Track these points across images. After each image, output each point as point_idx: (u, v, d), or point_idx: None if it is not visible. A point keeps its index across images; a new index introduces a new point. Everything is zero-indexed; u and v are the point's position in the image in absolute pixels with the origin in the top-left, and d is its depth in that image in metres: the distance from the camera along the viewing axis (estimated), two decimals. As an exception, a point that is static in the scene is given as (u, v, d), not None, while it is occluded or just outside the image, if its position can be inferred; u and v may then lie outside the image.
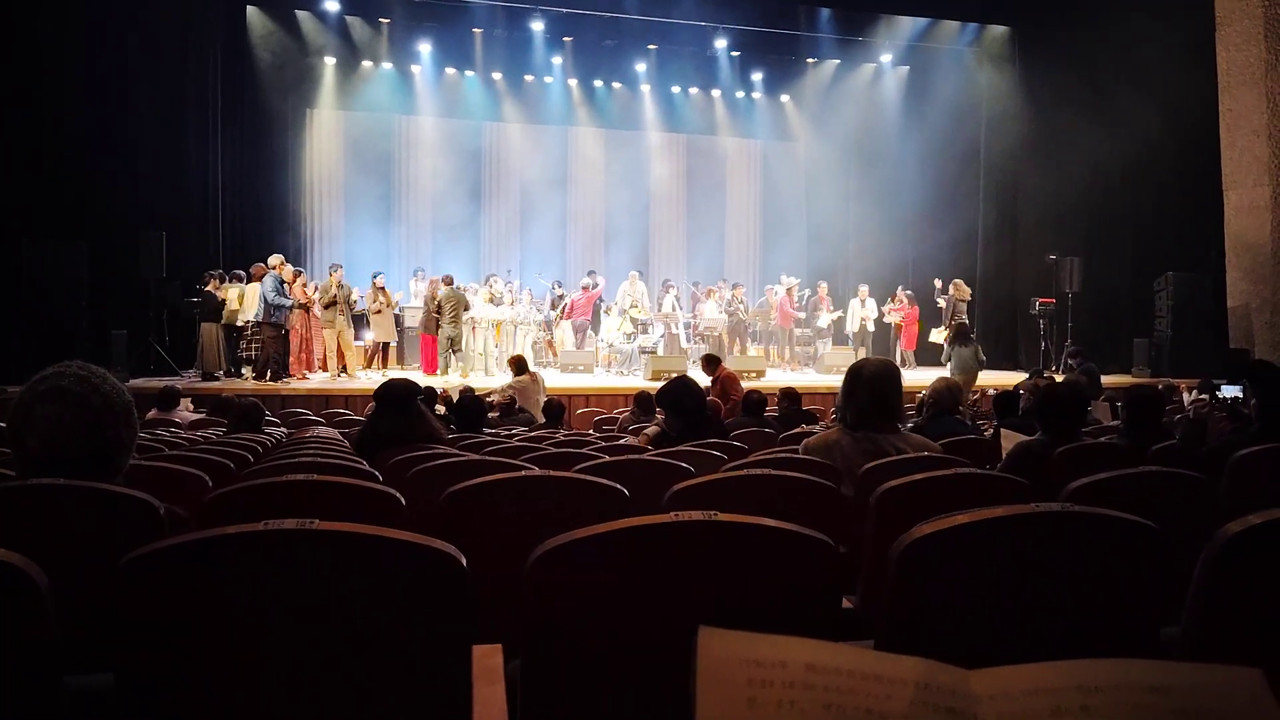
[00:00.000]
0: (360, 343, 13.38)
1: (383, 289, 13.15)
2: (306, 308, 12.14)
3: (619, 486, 2.38)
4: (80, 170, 11.95)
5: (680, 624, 1.07)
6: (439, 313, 13.04)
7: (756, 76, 18.45)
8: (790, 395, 7.89)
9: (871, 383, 3.31)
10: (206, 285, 12.32)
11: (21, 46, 11.36)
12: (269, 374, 11.66)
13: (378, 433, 4.30)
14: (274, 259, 11.97)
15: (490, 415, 7.32)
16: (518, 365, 10.28)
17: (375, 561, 1.36)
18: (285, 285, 11.81)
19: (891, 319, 15.61)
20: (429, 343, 13.39)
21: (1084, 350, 12.91)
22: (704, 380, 9.22)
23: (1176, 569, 1.53)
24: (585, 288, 14.93)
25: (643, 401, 8.02)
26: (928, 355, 15.32)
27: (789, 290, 15.25)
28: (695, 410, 4.62)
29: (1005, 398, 6.72)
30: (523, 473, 2.65)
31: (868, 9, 16.13)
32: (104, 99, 11.99)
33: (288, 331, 11.99)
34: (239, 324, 12.29)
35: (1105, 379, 13.32)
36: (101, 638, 1.59)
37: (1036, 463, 3.36)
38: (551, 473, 2.58)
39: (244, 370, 12.37)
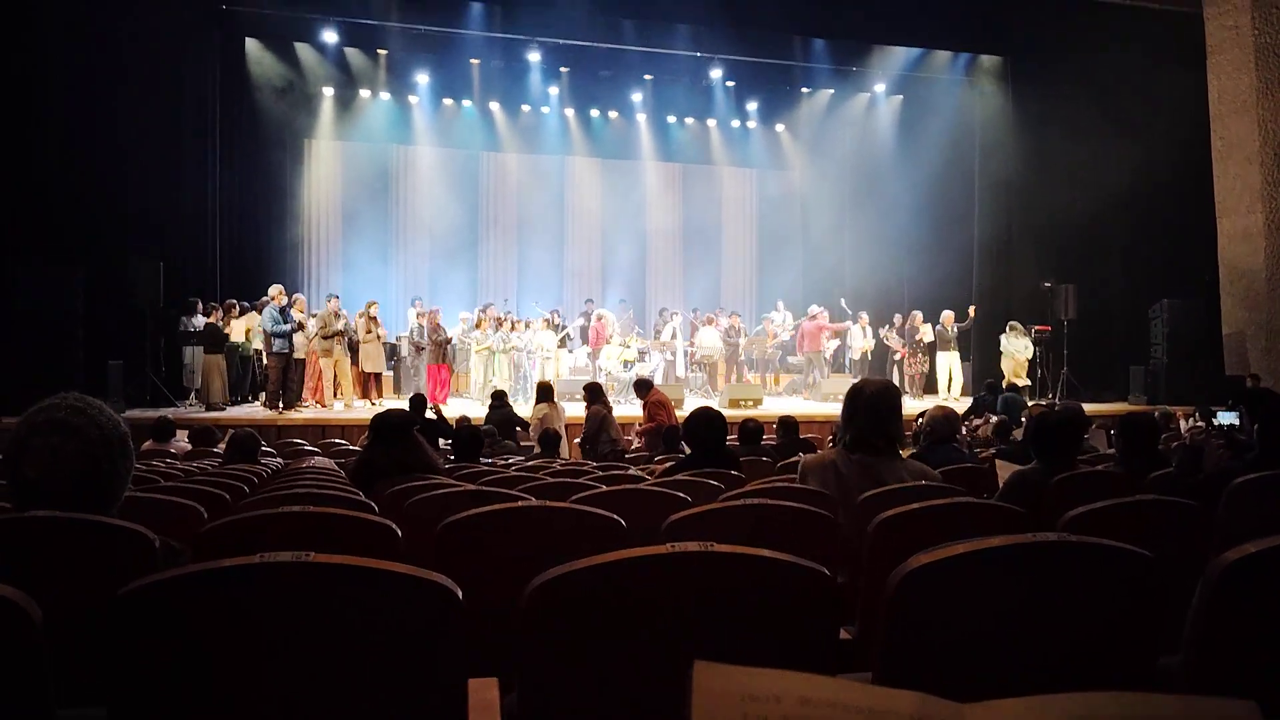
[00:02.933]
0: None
1: (374, 318, 13.19)
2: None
3: (615, 517, 2.37)
4: (76, 199, 11.95)
5: (677, 656, 1.07)
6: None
7: (751, 106, 18.59)
8: (788, 424, 7.86)
9: (872, 404, 3.21)
10: (210, 316, 12.36)
11: (18, 74, 11.40)
12: (273, 403, 11.74)
13: (374, 463, 4.29)
14: (273, 289, 12.05)
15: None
16: (542, 392, 10.26)
17: (370, 594, 1.36)
18: (286, 314, 11.92)
19: (892, 342, 15.62)
20: (433, 372, 13.48)
21: (997, 384, 12.91)
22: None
23: (1174, 597, 1.53)
24: (601, 318, 15.12)
25: (591, 390, 9.09)
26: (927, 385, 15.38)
27: (813, 316, 15.20)
28: (710, 442, 4.59)
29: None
30: (519, 503, 2.64)
31: (861, 40, 16.25)
32: (101, 127, 12.03)
33: (298, 361, 12.24)
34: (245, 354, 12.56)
35: (1102, 407, 13.32)
36: (95, 670, 1.58)
37: (1033, 491, 3.36)
38: (548, 503, 2.57)
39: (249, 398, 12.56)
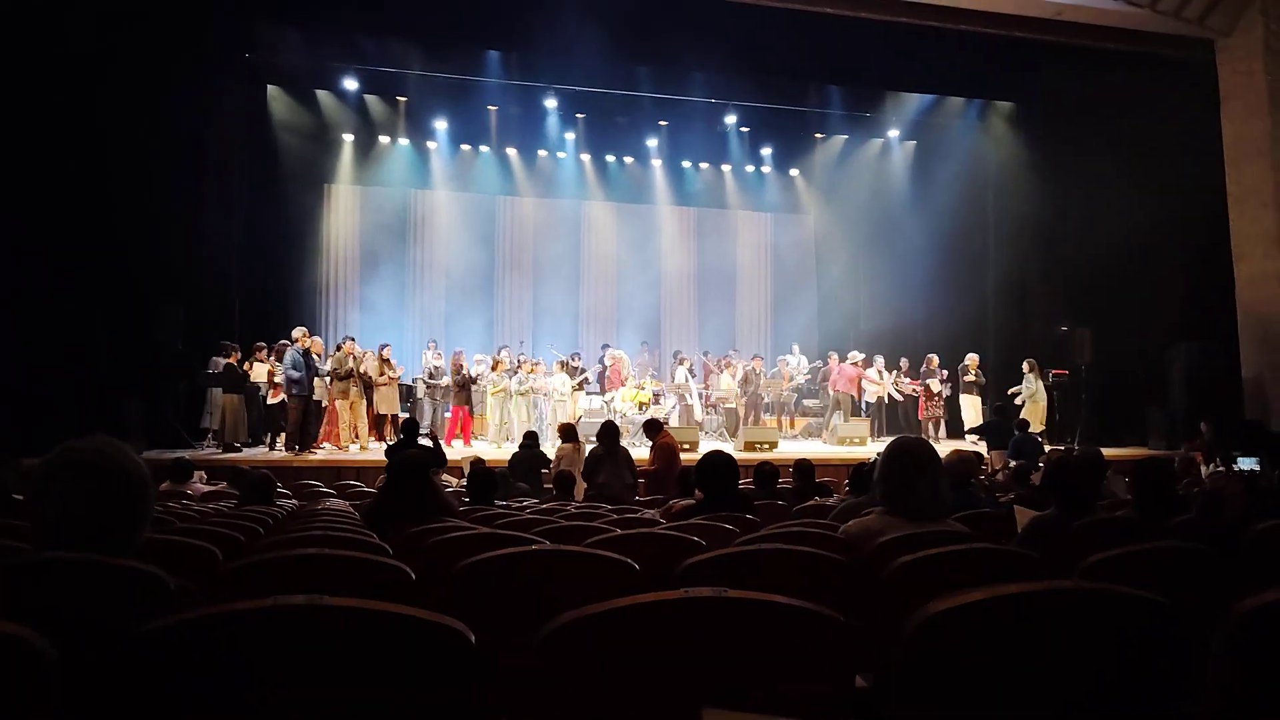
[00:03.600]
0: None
1: (387, 360, 13.24)
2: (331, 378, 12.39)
3: (629, 561, 2.37)
4: (99, 241, 12.06)
5: (690, 702, 1.06)
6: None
7: (766, 151, 18.74)
8: (803, 469, 7.82)
9: (930, 469, 3.03)
10: (229, 357, 12.45)
11: (44, 118, 11.54)
12: (291, 445, 11.78)
13: (389, 505, 4.29)
14: (297, 332, 12.17)
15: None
16: (566, 433, 10.21)
17: (383, 637, 1.36)
18: (309, 357, 11.97)
19: (903, 387, 15.54)
20: (456, 414, 13.55)
21: (1007, 406, 12.71)
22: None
23: (1195, 645, 1.51)
24: (615, 359, 15.20)
25: (600, 430, 8.68)
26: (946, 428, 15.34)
27: (855, 362, 15.20)
28: (721, 486, 4.57)
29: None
30: (534, 547, 2.64)
31: (874, 86, 16.40)
32: (125, 171, 12.17)
33: (318, 403, 12.31)
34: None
35: (1121, 451, 13.20)
36: (110, 712, 1.58)
37: (1051, 537, 3.32)
38: (563, 547, 2.57)
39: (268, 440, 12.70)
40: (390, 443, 12.85)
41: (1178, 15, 12.93)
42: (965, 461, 5.73)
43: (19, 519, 3.49)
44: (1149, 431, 14.69)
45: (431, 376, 13.90)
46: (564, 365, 14.78)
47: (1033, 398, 14.47)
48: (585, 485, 8.62)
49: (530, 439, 10.27)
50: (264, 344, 13.14)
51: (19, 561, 1.86)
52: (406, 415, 14.21)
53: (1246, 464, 8.20)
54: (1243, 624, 1.34)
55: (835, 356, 15.88)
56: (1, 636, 1.28)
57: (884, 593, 2.35)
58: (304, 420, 11.94)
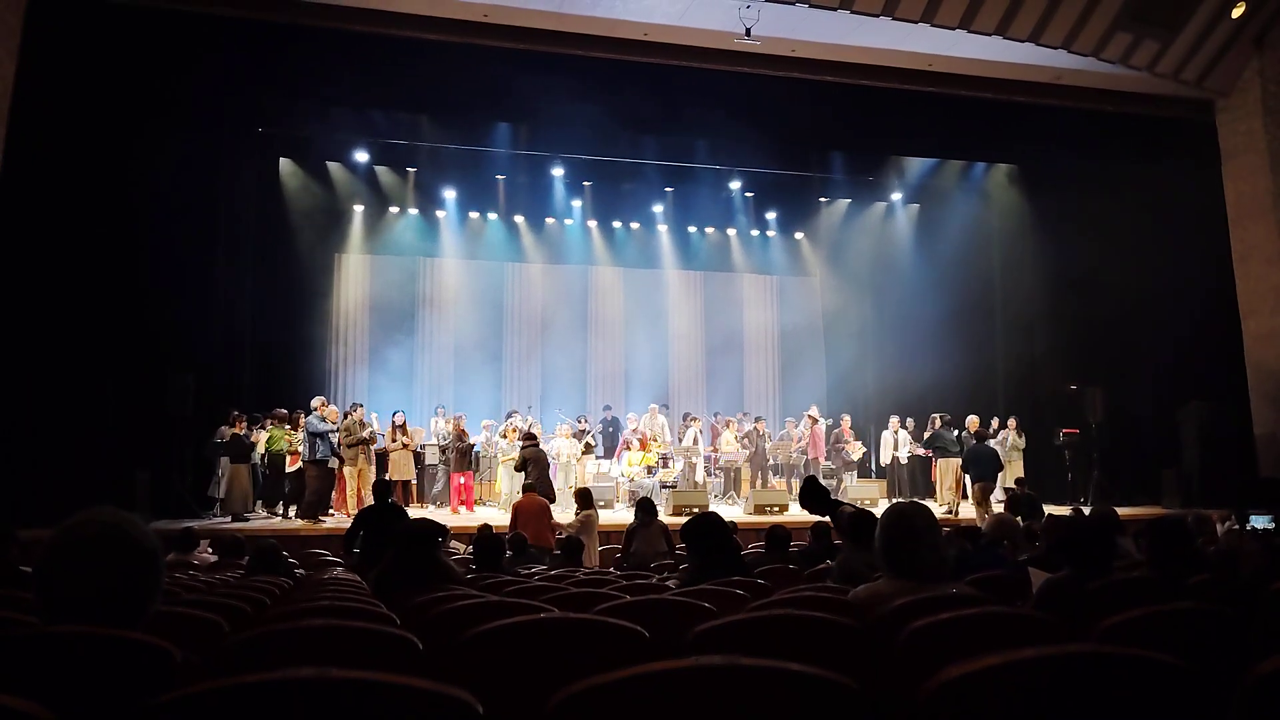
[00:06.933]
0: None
1: (401, 427, 13.27)
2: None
3: (639, 629, 2.35)
4: (110, 311, 12.14)
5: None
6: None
7: (771, 215, 18.91)
8: (819, 532, 7.76)
9: (929, 532, 3.04)
10: (235, 427, 12.48)
11: (54, 187, 11.68)
12: (311, 513, 11.75)
13: (396, 574, 4.27)
14: (316, 400, 12.34)
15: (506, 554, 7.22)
16: (583, 498, 10.17)
17: (391, 709, 1.34)
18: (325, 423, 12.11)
19: (900, 452, 15.44)
20: (456, 480, 13.52)
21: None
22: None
23: (1215, 708, 1.48)
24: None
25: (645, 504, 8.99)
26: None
27: (814, 419, 15.19)
28: (715, 549, 4.53)
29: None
30: (541, 615, 2.62)
31: (876, 151, 16.61)
32: (138, 242, 12.28)
33: (333, 470, 12.33)
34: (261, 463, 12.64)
35: (1136, 510, 13.07)
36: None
37: (1066, 599, 3.27)
38: (571, 615, 2.55)
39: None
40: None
41: (1176, 77, 13.13)
42: (1002, 524, 5.79)
43: (25, 591, 3.47)
44: (1163, 491, 14.54)
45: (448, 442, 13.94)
46: (571, 430, 14.77)
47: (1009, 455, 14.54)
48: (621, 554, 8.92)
49: (531, 439, 11.18)
50: (284, 411, 13.16)
51: (25, 634, 1.85)
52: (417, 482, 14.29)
53: (1260, 522, 8.11)
54: (1258, 688, 1.32)
55: (846, 419, 15.85)
56: (7, 710, 1.27)
57: (898, 659, 2.31)
58: (325, 488, 11.98)
